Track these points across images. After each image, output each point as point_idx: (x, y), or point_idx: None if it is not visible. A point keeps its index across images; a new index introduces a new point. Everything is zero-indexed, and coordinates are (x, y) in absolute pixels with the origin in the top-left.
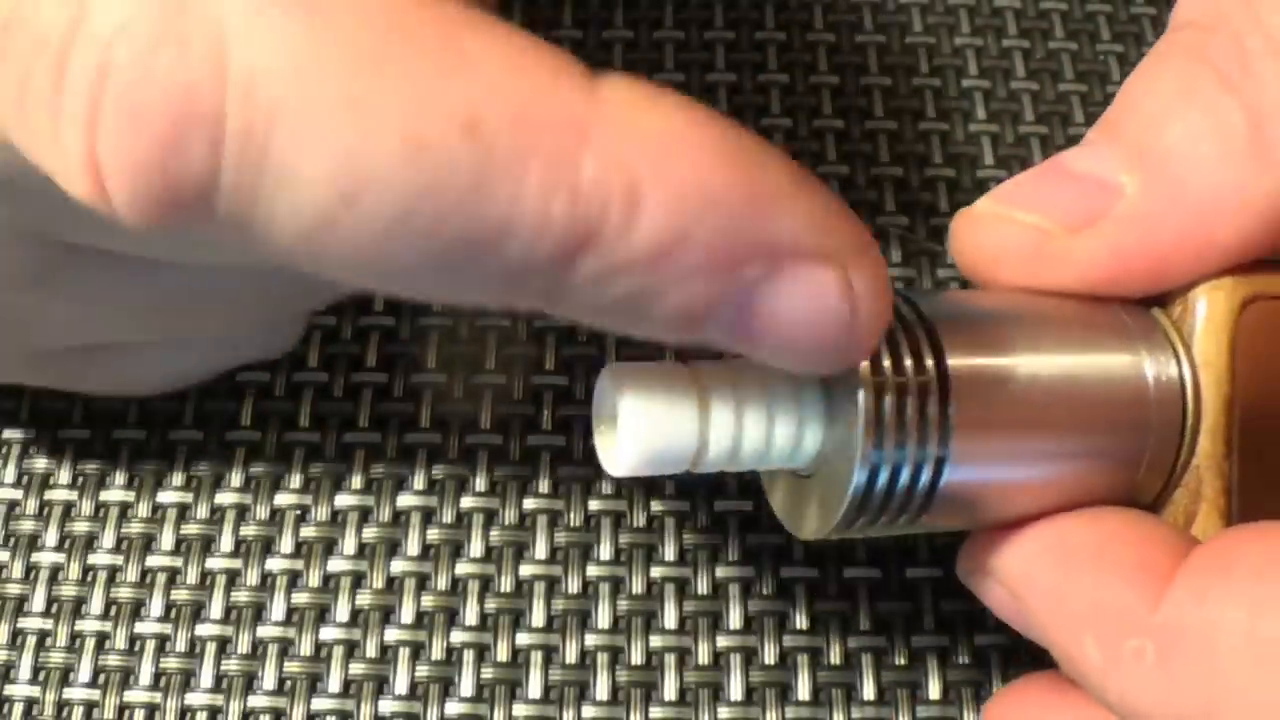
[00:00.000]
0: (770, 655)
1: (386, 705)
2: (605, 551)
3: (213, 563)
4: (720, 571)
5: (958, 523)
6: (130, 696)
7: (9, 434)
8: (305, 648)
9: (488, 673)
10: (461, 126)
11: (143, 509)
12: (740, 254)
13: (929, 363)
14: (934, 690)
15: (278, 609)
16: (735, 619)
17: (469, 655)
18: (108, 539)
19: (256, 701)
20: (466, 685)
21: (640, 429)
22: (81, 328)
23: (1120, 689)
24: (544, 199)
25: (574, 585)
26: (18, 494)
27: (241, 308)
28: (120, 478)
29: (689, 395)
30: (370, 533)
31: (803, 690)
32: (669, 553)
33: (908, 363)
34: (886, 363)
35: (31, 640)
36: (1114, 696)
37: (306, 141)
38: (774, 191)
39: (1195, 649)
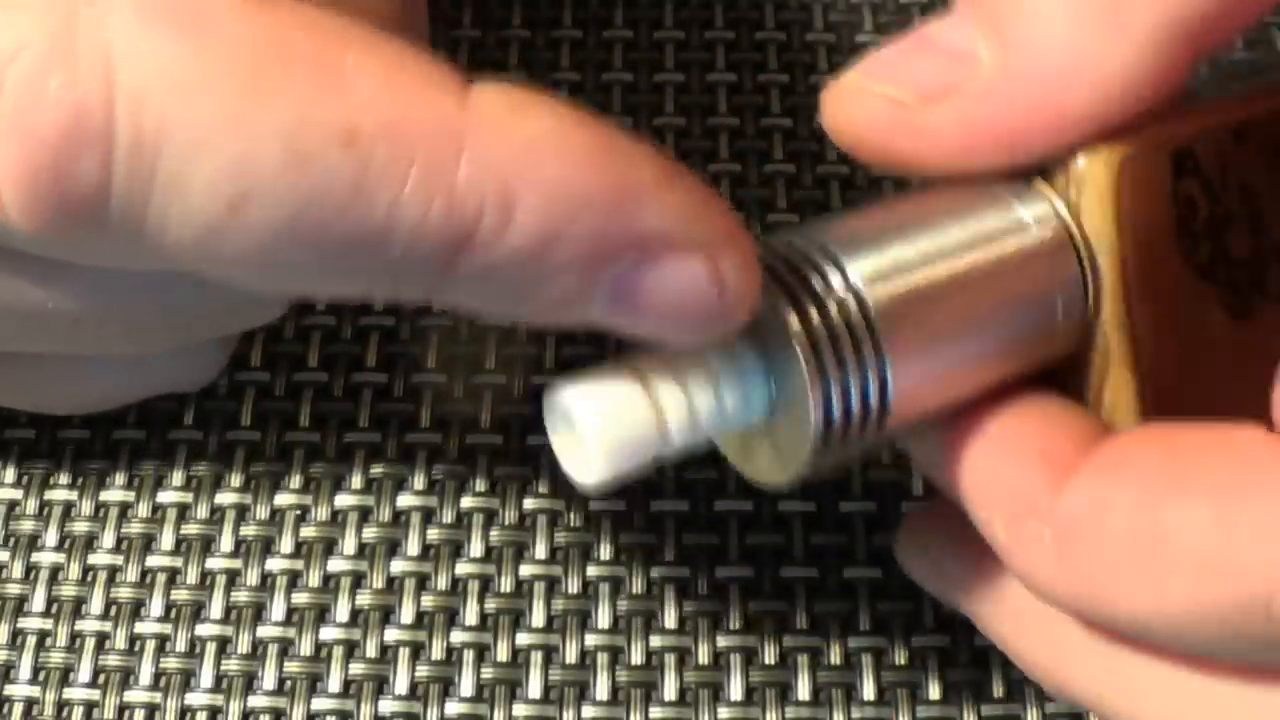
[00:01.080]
0: (770, 655)
1: (386, 705)
2: (605, 551)
3: (213, 563)
4: (720, 572)
5: (910, 427)
6: (130, 696)
7: (9, 434)
8: (305, 648)
9: (488, 673)
10: (340, 138)
11: (143, 509)
12: (611, 247)
13: (839, 285)
14: (934, 690)
15: (278, 609)
16: (735, 619)
17: (469, 655)
18: (108, 539)
19: (256, 701)
20: (466, 685)
21: (600, 430)
22: None
23: (1021, 564)
24: (422, 204)
25: (574, 585)
26: (18, 494)
27: (146, 324)
28: (120, 478)
29: (633, 383)
30: (370, 533)
31: (803, 690)
32: (669, 553)
33: (819, 289)
34: (805, 298)
35: (31, 640)
36: (1016, 569)
37: (194, 155)
38: (642, 187)
39: (1087, 538)
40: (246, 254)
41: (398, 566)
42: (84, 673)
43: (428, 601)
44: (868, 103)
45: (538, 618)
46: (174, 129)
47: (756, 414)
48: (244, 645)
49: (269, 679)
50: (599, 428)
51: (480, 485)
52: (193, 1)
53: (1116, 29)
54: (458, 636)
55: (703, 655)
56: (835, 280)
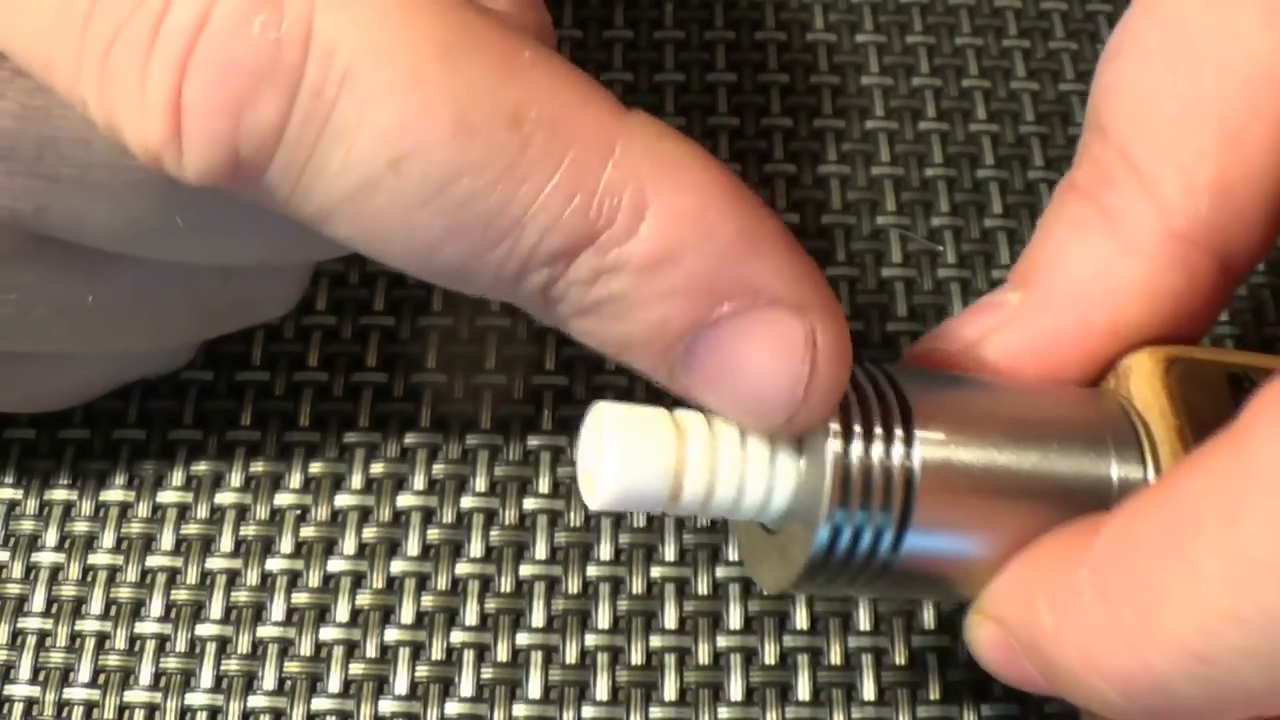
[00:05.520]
0: (770, 655)
1: (386, 705)
2: (605, 551)
3: (213, 563)
4: (720, 571)
5: (917, 591)
6: (130, 696)
7: (9, 434)
8: (305, 648)
9: (488, 673)
10: (507, 119)
11: (143, 509)
12: (722, 286)
13: (899, 436)
14: (934, 690)
15: (278, 609)
16: (735, 619)
17: (469, 655)
18: (108, 539)
19: (256, 701)
20: (466, 685)
21: (619, 467)
22: (13, 330)
23: (1074, 639)
24: (565, 195)
25: (574, 585)
26: (18, 494)
27: (172, 318)
28: (120, 478)
29: (669, 441)
30: (370, 533)
31: (803, 690)
32: (669, 553)
33: (878, 433)
34: (858, 430)
35: (31, 640)
36: (1075, 653)
37: (369, 108)
38: (762, 237)
39: (1125, 566)
40: (387, 217)
41: (398, 566)
42: (84, 673)
43: (428, 601)
44: (927, 358)
45: (538, 618)
46: (356, 81)
47: (768, 519)
48: (244, 645)
49: (269, 679)
50: (617, 469)
51: (480, 485)
52: None
53: (1122, 247)
54: (458, 636)
55: (703, 655)
56: (897, 432)
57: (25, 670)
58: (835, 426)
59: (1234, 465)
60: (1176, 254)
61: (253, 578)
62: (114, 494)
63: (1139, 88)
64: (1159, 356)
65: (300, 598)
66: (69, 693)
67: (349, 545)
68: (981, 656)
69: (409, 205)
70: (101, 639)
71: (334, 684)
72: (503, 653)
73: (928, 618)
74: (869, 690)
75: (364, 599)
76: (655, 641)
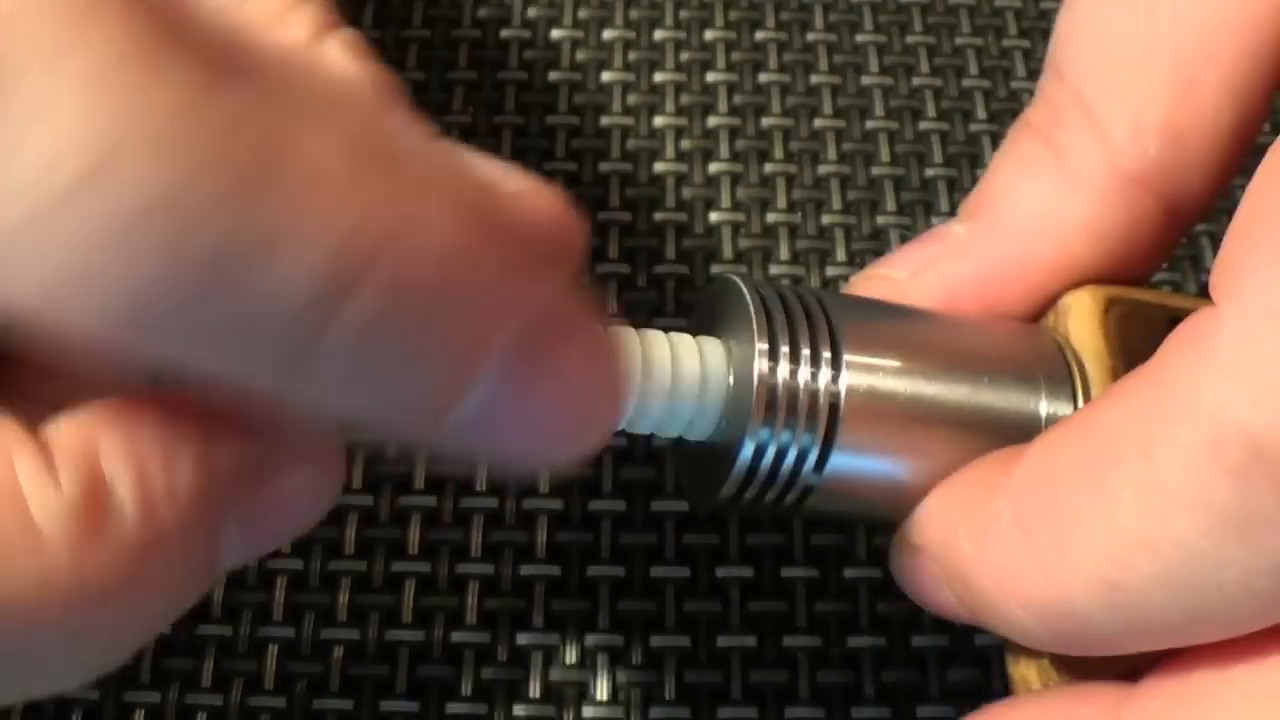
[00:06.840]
0: (769, 655)
1: (388, 705)
2: (605, 552)
3: None
4: (720, 571)
5: (843, 513)
6: (130, 696)
7: None
8: (306, 647)
9: (488, 672)
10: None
11: None
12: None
13: (826, 359)
14: (934, 690)
15: (278, 609)
16: (735, 619)
17: (469, 655)
18: None
19: (256, 701)
20: (466, 685)
21: None
22: None
23: (993, 566)
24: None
25: (574, 586)
26: None
27: None
28: None
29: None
30: (371, 532)
31: (803, 690)
32: (669, 553)
33: (805, 354)
34: (785, 351)
35: None
36: (993, 580)
37: (57, 106)
38: (528, 260)
39: (1043, 494)
40: (68, 257)
41: (398, 566)
42: None
43: (428, 602)
44: (872, 285)
45: (537, 618)
46: (25, 79)
47: (697, 436)
48: (244, 645)
49: (269, 679)
50: None
51: (480, 485)
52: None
53: (1069, 184)
54: (458, 636)
55: (703, 655)
56: (825, 354)
57: None
58: (763, 346)
59: (1151, 396)
60: (1123, 193)
61: (254, 577)
62: None
63: (1095, 30)
64: (1100, 296)
65: (301, 597)
66: (69, 693)
67: (349, 545)
68: (903, 582)
69: (103, 236)
70: None
71: (335, 684)
72: (503, 652)
73: (928, 618)
74: (869, 690)
75: (364, 598)
76: (655, 641)
